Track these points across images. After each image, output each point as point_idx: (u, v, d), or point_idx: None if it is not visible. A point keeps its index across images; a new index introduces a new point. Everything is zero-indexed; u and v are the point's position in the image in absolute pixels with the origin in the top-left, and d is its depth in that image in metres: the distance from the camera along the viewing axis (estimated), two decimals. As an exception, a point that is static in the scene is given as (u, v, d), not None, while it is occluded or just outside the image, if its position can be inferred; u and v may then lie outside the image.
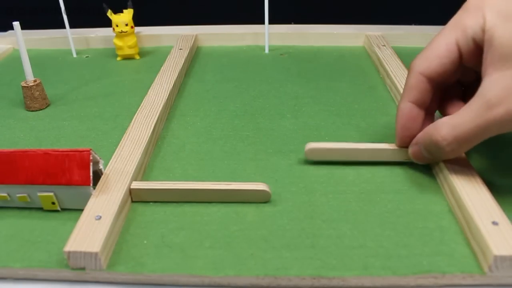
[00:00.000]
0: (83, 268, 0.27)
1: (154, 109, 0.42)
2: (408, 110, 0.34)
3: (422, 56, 0.33)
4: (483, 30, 0.29)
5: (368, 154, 0.35)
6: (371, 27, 0.62)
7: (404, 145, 0.35)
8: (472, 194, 0.30)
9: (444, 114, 0.35)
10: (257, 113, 0.45)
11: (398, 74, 0.48)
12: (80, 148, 0.30)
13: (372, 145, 0.35)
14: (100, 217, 0.29)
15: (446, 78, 0.33)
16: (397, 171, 0.35)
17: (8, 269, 0.28)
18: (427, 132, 0.32)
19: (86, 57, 0.60)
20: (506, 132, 0.29)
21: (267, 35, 0.59)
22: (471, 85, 0.30)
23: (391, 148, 0.35)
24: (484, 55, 0.29)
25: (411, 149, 0.34)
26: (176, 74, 0.49)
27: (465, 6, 0.31)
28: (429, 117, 0.35)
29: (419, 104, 0.33)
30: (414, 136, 0.34)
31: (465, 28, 0.30)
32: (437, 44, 0.32)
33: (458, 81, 0.35)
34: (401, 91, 0.44)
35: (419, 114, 0.34)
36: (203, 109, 0.46)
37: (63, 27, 0.58)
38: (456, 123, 0.30)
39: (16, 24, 0.43)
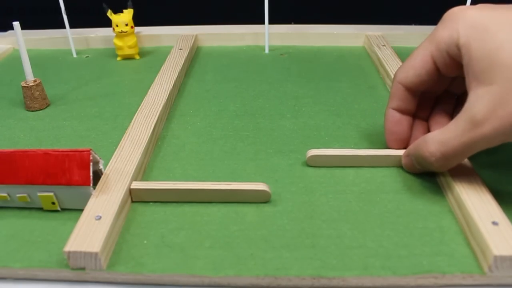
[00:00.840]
0: (83, 268, 0.27)
1: (154, 109, 0.42)
2: (392, 116, 0.36)
3: (402, 66, 0.34)
4: (457, 45, 0.29)
5: (370, 160, 0.36)
6: (371, 27, 0.62)
7: (394, 147, 0.36)
8: (472, 194, 0.30)
9: (430, 125, 0.36)
10: (257, 113, 0.45)
11: (398, 74, 0.48)
12: (80, 148, 0.30)
13: (373, 152, 0.36)
14: (100, 217, 0.29)
15: (425, 87, 0.34)
16: (397, 171, 0.36)
17: (8, 269, 0.28)
18: (417, 145, 0.33)
19: (86, 57, 0.60)
20: (496, 145, 0.29)
21: (267, 35, 0.59)
22: (464, 94, 0.31)
23: (393, 154, 0.35)
24: (465, 70, 0.29)
25: (403, 160, 0.35)
26: (176, 74, 0.49)
27: (442, 18, 0.32)
28: (421, 123, 0.36)
29: (402, 110, 0.35)
30: (402, 139, 0.36)
31: (439, 42, 0.31)
32: (414, 56, 0.33)
33: (449, 91, 0.36)
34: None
35: (403, 119, 0.35)
36: (203, 109, 0.46)
37: (63, 27, 0.58)
38: (443, 140, 0.30)
39: (16, 24, 0.43)
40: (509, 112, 0.26)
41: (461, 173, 0.32)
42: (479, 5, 0.30)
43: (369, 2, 0.71)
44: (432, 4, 0.67)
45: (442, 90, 0.36)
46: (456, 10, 0.30)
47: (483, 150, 0.29)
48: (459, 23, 0.29)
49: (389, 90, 0.48)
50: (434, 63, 0.32)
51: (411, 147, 0.34)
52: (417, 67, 0.33)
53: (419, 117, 0.36)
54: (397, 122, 0.35)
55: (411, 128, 0.36)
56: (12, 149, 0.31)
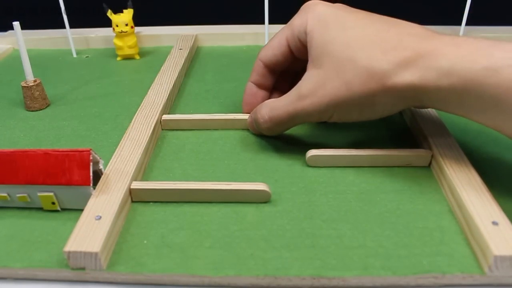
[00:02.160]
0: (83, 268, 0.27)
1: (154, 109, 0.42)
2: (249, 88, 0.40)
3: (265, 46, 0.39)
4: (305, 32, 0.34)
5: (370, 160, 0.36)
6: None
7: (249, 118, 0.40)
8: (472, 194, 0.30)
9: (271, 96, 0.41)
10: (257, 113, 0.45)
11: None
12: (80, 148, 0.30)
13: (373, 151, 0.36)
14: (100, 217, 0.29)
15: (279, 66, 0.38)
16: (397, 171, 0.36)
17: (8, 269, 0.28)
18: (256, 108, 0.38)
19: (86, 57, 0.60)
20: (316, 121, 0.36)
21: (267, 35, 0.59)
22: (301, 73, 0.35)
23: (392, 154, 0.35)
24: (308, 53, 0.34)
25: (248, 119, 0.40)
26: (176, 74, 0.49)
27: (300, 8, 0.36)
28: (279, 95, 0.39)
29: (258, 84, 0.40)
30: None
31: (293, 28, 0.35)
32: (274, 38, 0.38)
33: (291, 69, 0.40)
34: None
35: (258, 92, 0.40)
36: (203, 109, 0.46)
37: (63, 27, 0.58)
38: (273, 106, 0.36)
39: (16, 24, 0.43)
40: (326, 93, 0.32)
41: (461, 173, 0.32)
42: (334, 4, 0.34)
43: (368, 2, 0.71)
44: (431, 4, 0.67)
45: (300, 68, 0.37)
46: (310, 3, 0.35)
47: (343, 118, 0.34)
48: (309, 14, 0.34)
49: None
50: (289, 46, 0.37)
51: (254, 109, 0.39)
52: (275, 48, 0.37)
53: (278, 90, 0.41)
54: (253, 95, 0.40)
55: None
56: (12, 149, 0.31)
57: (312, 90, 0.33)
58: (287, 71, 0.40)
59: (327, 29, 0.33)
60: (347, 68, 0.31)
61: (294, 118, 0.35)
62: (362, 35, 0.32)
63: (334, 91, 0.32)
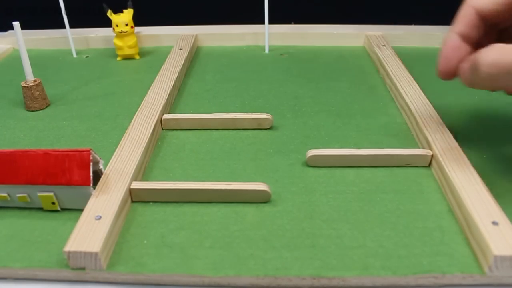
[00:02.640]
0: (83, 268, 0.27)
1: (154, 109, 0.42)
2: (452, 40, 0.32)
3: None
4: None
5: (370, 160, 0.36)
6: (371, 27, 0.62)
7: (441, 77, 0.33)
8: (472, 194, 0.30)
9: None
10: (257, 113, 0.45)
11: (398, 74, 0.48)
12: (80, 148, 0.30)
13: (373, 151, 0.36)
14: (100, 217, 0.29)
15: (498, 18, 0.31)
16: (397, 171, 0.36)
17: (8, 269, 0.28)
18: (478, 52, 0.29)
19: (86, 57, 0.60)
20: None
21: (267, 35, 0.59)
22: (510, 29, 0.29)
23: (392, 154, 0.35)
24: None
25: (462, 65, 0.32)
26: (176, 74, 0.49)
27: None
28: None
29: (464, 36, 0.32)
30: (453, 69, 0.32)
31: None
32: None
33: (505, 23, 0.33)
34: (401, 91, 0.45)
35: (462, 46, 0.32)
36: (203, 109, 0.46)
37: (63, 27, 0.58)
38: (507, 49, 0.27)
39: (16, 24, 0.43)
40: None
41: (461, 173, 0.32)
42: None
43: (369, 2, 0.71)
44: (432, 4, 0.67)
45: (509, 25, 0.32)
46: None
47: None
48: None
49: (389, 90, 0.48)
50: None
51: (475, 53, 0.30)
52: None
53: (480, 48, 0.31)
54: (456, 48, 0.32)
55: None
56: (12, 149, 0.31)
57: None
58: (497, 25, 0.33)
59: None
60: None
61: None
62: None
63: None
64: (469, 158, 0.34)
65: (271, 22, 0.58)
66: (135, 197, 0.33)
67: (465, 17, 0.32)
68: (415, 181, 0.34)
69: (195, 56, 0.59)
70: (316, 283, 0.27)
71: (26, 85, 0.45)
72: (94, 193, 0.31)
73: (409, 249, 0.28)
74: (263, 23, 0.58)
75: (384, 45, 0.56)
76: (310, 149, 0.36)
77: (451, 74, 0.33)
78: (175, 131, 0.42)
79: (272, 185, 0.33)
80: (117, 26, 0.55)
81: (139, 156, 0.35)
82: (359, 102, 0.46)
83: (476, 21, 0.32)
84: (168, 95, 0.45)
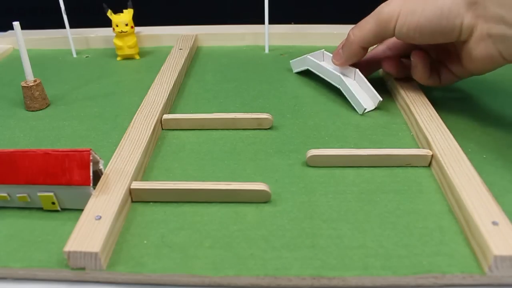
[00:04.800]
0: (83, 268, 0.27)
1: (154, 109, 0.42)
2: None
3: None
4: None
5: (370, 160, 0.36)
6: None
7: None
8: (472, 194, 0.30)
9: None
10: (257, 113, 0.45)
11: (398, 74, 0.48)
12: (80, 148, 0.30)
13: (373, 151, 0.36)
14: (100, 217, 0.29)
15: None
16: (397, 171, 0.36)
17: (8, 269, 0.28)
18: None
19: (86, 57, 0.60)
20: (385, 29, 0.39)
21: (267, 35, 0.59)
22: None
23: (392, 154, 0.35)
24: None
25: (334, 52, 0.46)
26: (176, 74, 0.49)
27: None
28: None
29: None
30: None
31: None
32: None
33: None
34: (401, 90, 0.45)
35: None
36: (203, 109, 0.46)
37: (63, 27, 0.58)
38: (362, 23, 0.42)
39: (16, 24, 0.43)
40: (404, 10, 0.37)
41: (461, 173, 0.32)
42: None
43: (369, 2, 0.71)
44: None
45: None
46: None
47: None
48: None
49: (389, 90, 0.48)
50: None
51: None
52: None
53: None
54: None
55: None
56: (12, 149, 0.31)
57: (393, 10, 0.38)
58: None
59: None
60: None
61: (372, 17, 0.40)
62: None
63: None
64: (469, 158, 0.34)
65: (271, 22, 0.58)
66: (135, 197, 0.33)
67: (350, 49, 0.44)
68: (415, 181, 0.34)
69: (195, 56, 0.59)
70: (316, 283, 0.27)
71: (26, 85, 0.45)
72: (94, 193, 0.31)
73: (409, 249, 0.28)
74: (263, 23, 0.58)
75: (384, 45, 0.56)
76: (310, 149, 0.36)
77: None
78: (175, 131, 0.42)
79: (272, 185, 0.33)
80: (117, 26, 0.55)
81: (139, 156, 0.35)
82: (359, 102, 0.46)
83: (358, 51, 0.43)
84: (168, 95, 0.45)
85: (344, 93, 0.45)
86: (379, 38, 0.41)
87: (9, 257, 0.28)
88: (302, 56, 0.51)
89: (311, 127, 0.42)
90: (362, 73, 0.45)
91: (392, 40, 0.45)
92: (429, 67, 0.42)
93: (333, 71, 0.46)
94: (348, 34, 0.43)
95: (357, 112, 0.44)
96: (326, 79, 0.47)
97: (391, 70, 0.45)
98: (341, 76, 0.45)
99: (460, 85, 0.48)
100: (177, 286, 0.27)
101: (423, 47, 0.43)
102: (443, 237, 0.29)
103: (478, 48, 0.36)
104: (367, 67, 0.47)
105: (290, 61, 0.54)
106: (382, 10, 0.39)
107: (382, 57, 0.46)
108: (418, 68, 0.42)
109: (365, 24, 0.41)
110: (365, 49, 0.43)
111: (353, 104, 0.44)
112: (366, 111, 0.44)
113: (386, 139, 0.40)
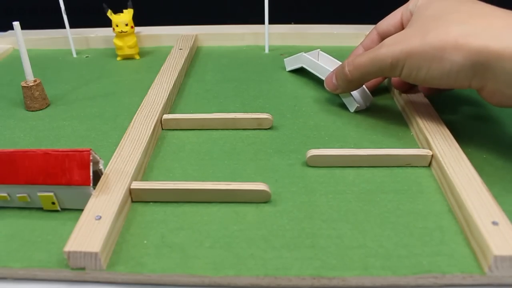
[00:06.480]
0: (83, 268, 0.27)
1: (154, 109, 0.42)
2: (357, 49, 0.46)
3: (383, 19, 0.44)
4: (416, 5, 0.38)
5: (370, 160, 0.36)
6: (371, 27, 0.62)
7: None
8: (472, 194, 0.30)
9: None
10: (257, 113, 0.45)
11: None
12: (80, 148, 0.30)
13: (373, 151, 0.36)
14: (100, 217, 0.29)
15: (389, 35, 0.40)
16: (397, 171, 0.36)
17: (8, 269, 0.28)
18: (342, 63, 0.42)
19: (86, 57, 0.60)
20: (388, 73, 0.37)
21: (267, 35, 0.59)
22: None
23: (392, 154, 0.36)
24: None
25: (326, 77, 0.44)
26: (176, 74, 0.49)
27: None
28: None
29: (366, 48, 0.44)
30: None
31: (409, 3, 0.40)
32: (393, 13, 0.43)
33: None
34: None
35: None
36: (203, 109, 0.46)
37: (63, 27, 0.58)
38: (359, 55, 0.39)
39: (16, 24, 0.43)
40: (403, 42, 0.35)
41: (461, 173, 0.32)
42: None
43: (369, 2, 0.71)
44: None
45: None
46: None
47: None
48: None
49: (389, 90, 0.48)
50: (401, 18, 0.41)
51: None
52: (390, 19, 0.42)
53: None
54: (357, 55, 0.41)
55: None
56: (12, 149, 0.31)
57: (393, 41, 0.36)
58: None
59: (431, 3, 0.37)
60: (430, 25, 0.34)
61: (372, 63, 0.37)
62: (459, 7, 0.35)
63: (410, 41, 0.35)
64: (469, 158, 0.34)
65: (271, 22, 0.58)
66: (135, 197, 0.33)
67: (370, 35, 0.44)
68: (415, 181, 0.34)
69: (195, 56, 0.59)
70: (316, 283, 0.27)
71: (26, 85, 0.45)
72: (94, 193, 0.31)
73: (409, 249, 0.28)
74: (263, 23, 0.58)
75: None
76: (310, 149, 0.36)
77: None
78: (175, 131, 0.42)
79: (272, 185, 0.33)
80: (117, 26, 0.55)
81: (139, 156, 0.35)
82: (359, 102, 0.46)
83: (376, 37, 0.44)
84: (168, 95, 0.45)
85: None
86: (379, 77, 0.40)
87: (9, 257, 0.28)
88: (297, 54, 0.51)
89: (311, 127, 0.42)
90: (368, 90, 0.45)
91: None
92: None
93: (328, 68, 0.46)
94: (344, 71, 0.40)
95: (357, 112, 0.44)
96: (320, 76, 0.47)
97: (401, 88, 0.44)
98: None
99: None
100: (177, 286, 0.27)
101: None
102: (443, 237, 0.29)
103: (494, 97, 0.34)
104: (371, 87, 0.46)
105: (284, 59, 0.54)
106: (382, 57, 0.36)
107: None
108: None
109: (364, 65, 0.38)
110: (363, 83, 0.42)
111: (345, 102, 0.44)
112: (358, 109, 0.44)
113: (386, 139, 0.40)
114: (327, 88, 0.44)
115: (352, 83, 0.41)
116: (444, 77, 0.34)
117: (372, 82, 0.45)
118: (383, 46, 0.36)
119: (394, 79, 0.45)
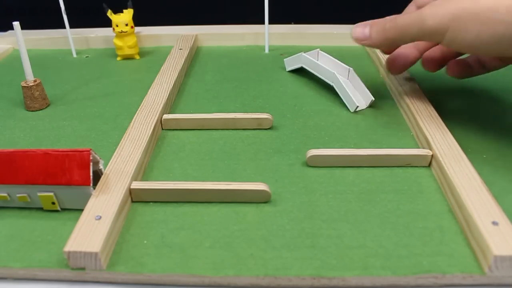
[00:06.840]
0: (83, 268, 0.27)
1: (154, 109, 0.42)
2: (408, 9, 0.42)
3: None
4: None
5: (370, 160, 0.36)
6: (371, 27, 0.62)
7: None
8: (472, 194, 0.30)
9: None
10: (257, 113, 0.45)
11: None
12: (80, 148, 0.30)
13: (373, 151, 0.36)
14: (100, 217, 0.29)
15: None
16: (397, 171, 0.36)
17: (8, 269, 0.28)
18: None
19: (86, 57, 0.60)
20: (429, 37, 0.35)
21: (267, 35, 0.59)
22: None
23: (392, 154, 0.36)
24: None
25: (356, 25, 0.40)
26: (176, 74, 0.49)
27: None
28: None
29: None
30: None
31: None
32: None
33: None
34: (401, 90, 0.45)
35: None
36: (203, 109, 0.46)
37: (63, 27, 0.58)
38: (403, 14, 0.38)
39: (16, 24, 0.43)
40: (450, 3, 0.32)
41: (461, 173, 0.32)
42: None
43: (369, 2, 0.71)
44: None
45: None
46: None
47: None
48: None
49: (389, 90, 0.48)
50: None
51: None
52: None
53: None
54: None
55: None
56: (12, 149, 0.31)
57: (440, 1, 0.33)
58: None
59: None
60: None
61: (415, 24, 0.34)
62: None
63: (459, 2, 0.32)
64: (469, 158, 0.34)
65: (271, 22, 0.58)
66: (135, 197, 0.33)
67: (406, 10, 0.42)
68: (415, 181, 0.34)
69: (195, 56, 0.59)
70: (316, 283, 0.27)
71: (26, 85, 0.45)
72: (94, 193, 0.31)
73: (409, 249, 0.28)
74: (263, 23, 0.58)
75: (384, 45, 0.56)
76: (310, 149, 0.36)
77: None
78: (175, 131, 0.42)
79: (272, 185, 0.33)
80: (117, 26, 0.55)
81: (139, 156, 0.35)
82: (359, 102, 0.46)
83: (391, 46, 0.42)
84: (168, 95, 0.45)
85: (337, 91, 0.45)
86: (418, 40, 0.37)
87: (9, 257, 0.28)
88: (297, 54, 0.51)
89: (311, 127, 0.42)
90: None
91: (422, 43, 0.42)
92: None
93: (328, 68, 0.46)
94: (384, 25, 0.37)
95: (357, 112, 0.44)
96: (320, 76, 0.47)
97: (456, 74, 0.42)
98: (335, 73, 0.45)
99: (460, 85, 0.48)
100: (177, 286, 0.27)
101: None
102: (443, 237, 0.29)
103: None
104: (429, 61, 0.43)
105: (284, 59, 0.54)
106: (425, 20, 0.34)
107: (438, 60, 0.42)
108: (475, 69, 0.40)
109: (405, 27, 0.35)
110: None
111: (345, 102, 0.44)
112: (358, 109, 0.44)
113: (386, 139, 0.40)
114: (352, 36, 0.39)
115: (388, 40, 0.37)
116: (496, 42, 0.31)
117: (426, 51, 0.42)
118: (429, 6, 0.34)
119: (427, 54, 0.42)
